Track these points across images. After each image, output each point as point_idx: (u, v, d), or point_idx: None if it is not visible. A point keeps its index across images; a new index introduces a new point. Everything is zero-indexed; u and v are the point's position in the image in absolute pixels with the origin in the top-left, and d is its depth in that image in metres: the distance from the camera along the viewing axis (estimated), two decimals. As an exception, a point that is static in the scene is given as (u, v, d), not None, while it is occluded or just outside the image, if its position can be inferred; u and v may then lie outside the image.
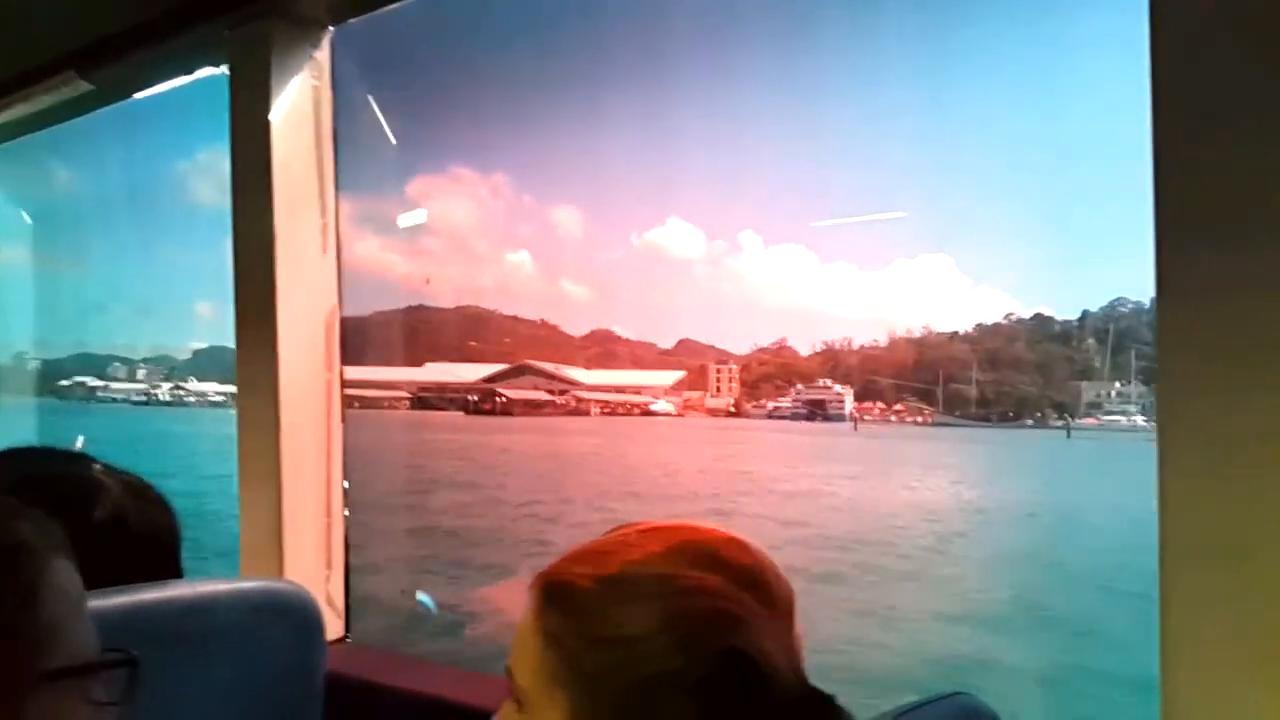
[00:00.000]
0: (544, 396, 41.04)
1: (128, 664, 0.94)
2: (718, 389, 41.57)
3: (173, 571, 1.44)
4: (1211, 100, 1.03)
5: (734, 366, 41.84)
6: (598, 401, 41.38)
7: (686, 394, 41.44)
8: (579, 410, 40.78)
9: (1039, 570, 14.49)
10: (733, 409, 40.42)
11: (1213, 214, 1.04)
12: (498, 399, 40.57)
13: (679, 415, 40.06)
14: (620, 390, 42.10)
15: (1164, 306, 1.07)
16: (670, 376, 42.39)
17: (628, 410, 41.16)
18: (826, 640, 9.27)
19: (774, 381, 41.10)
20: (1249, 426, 1.01)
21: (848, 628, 10.58)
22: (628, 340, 47.32)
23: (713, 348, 43.90)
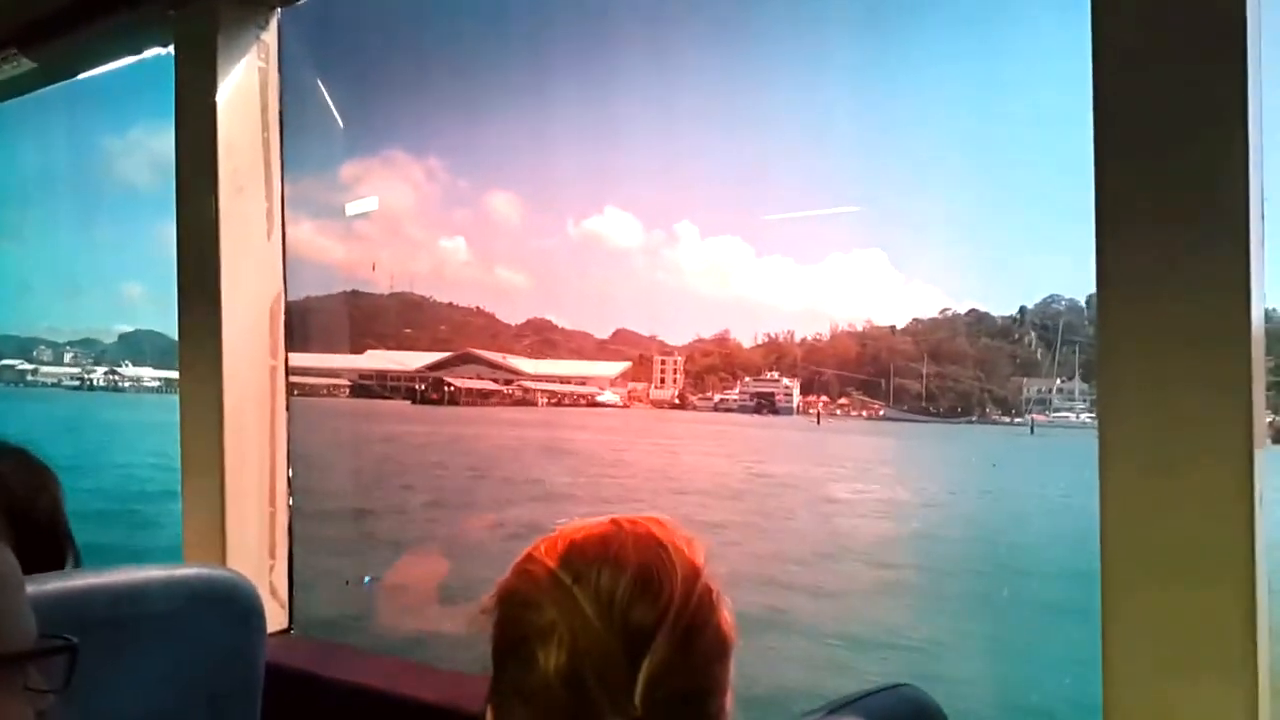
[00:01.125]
0: (491, 386, 40.80)
1: (67, 651, 0.93)
2: (662, 380, 41.55)
3: (59, 533, 1.45)
4: (1151, 105, 1.05)
5: (678, 358, 41.92)
6: (544, 392, 41.24)
7: (631, 385, 41.40)
8: (526, 400, 40.60)
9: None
10: (677, 401, 40.46)
11: (1151, 215, 1.06)
12: (446, 388, 40.24)
13: (624, 406, 40.03)
14: (566, 380, 42.04)
15: (1104, 305, 1.09)
16: (615, 367, 42.39)
17: (574, 401, 41.09)
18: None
19: (718, 373, 41.24)
20: (1186, 420, 1.03)
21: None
22: (565, 329, 47.20)
23: (654, 338, 43.89)
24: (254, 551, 2.07)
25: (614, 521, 0.92)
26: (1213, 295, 1.02)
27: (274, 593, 2.08)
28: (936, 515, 19.44)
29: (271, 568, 2.10)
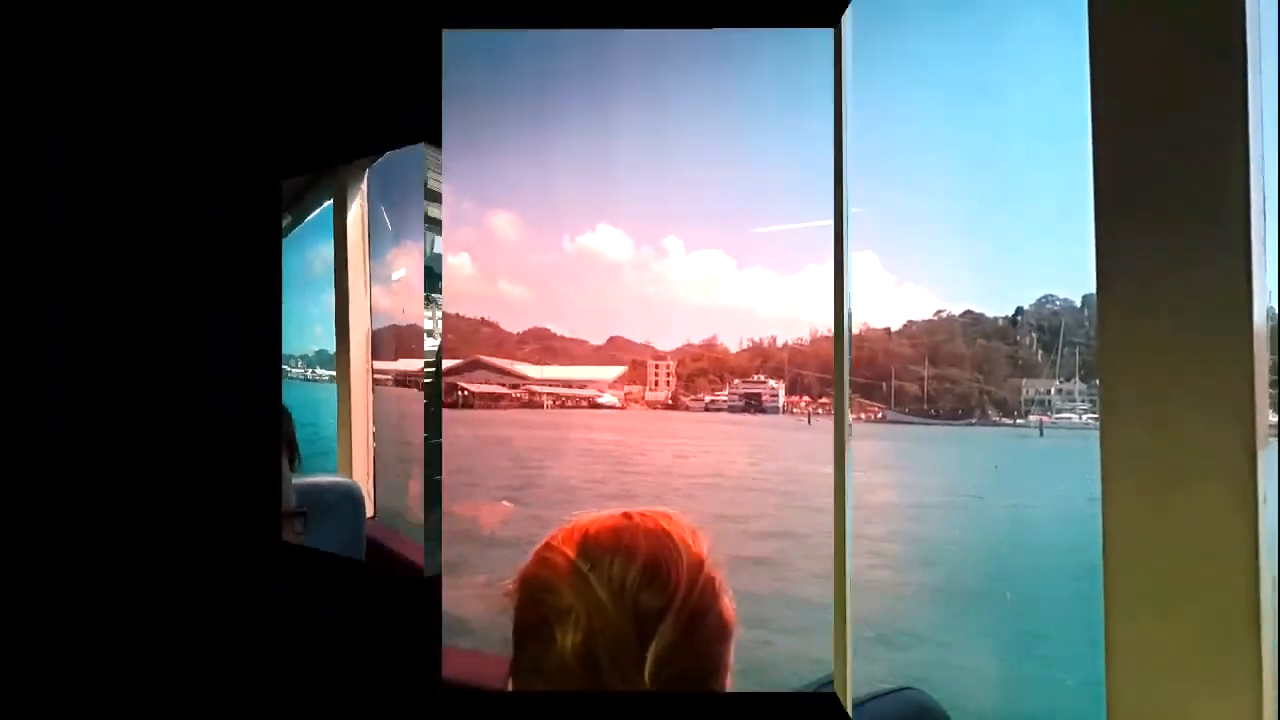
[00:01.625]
0: (500, 390, 41.09)
1: (303, 515, 1.96)
2: (656, 383, 41.34)
3: (293, 445, 2.44)
4: (1150, 103, 1.04)
5: (671, 362, 41.94)
6: (548, 394, 41.53)
7: (627, 388, 41.38)
8: (533, 403, 40.64)
9: None
10: (670, 402, 40.50)
11: (1151, 220, 1.03)
12: (460, 392, 40.65)
13: (622, 408, 40.22)
14: (569, 384, 42.39)
15: (1104, 311, 1.07)
16: (613, 371, 42.45)
17: (576, 403, 41.27)
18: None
19: (707, 376, 41.12)
20: (1188, 425, 1.00)
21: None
22: (563, 337, 46.60)
23: (647, 345, 43.14)
24: (362, 469, 3.26)
25: (626, 514, 0.96)
26: (1215, 298, 0.97)
27: (368, 494, 3.00)
28: (1005, 520, 16.78)
29: (367, 479, 3.11)
